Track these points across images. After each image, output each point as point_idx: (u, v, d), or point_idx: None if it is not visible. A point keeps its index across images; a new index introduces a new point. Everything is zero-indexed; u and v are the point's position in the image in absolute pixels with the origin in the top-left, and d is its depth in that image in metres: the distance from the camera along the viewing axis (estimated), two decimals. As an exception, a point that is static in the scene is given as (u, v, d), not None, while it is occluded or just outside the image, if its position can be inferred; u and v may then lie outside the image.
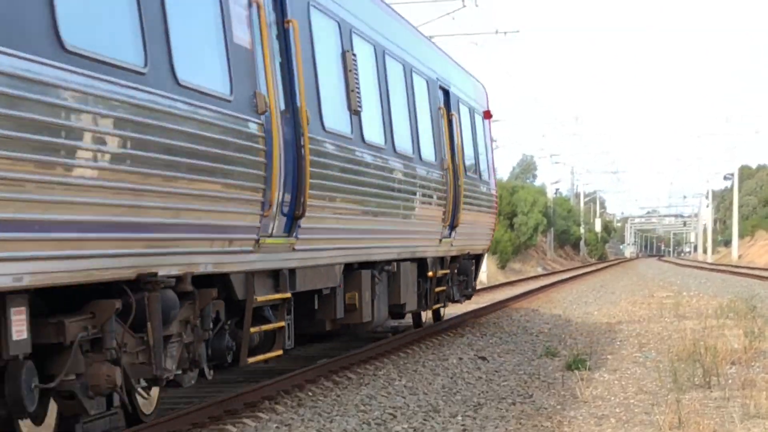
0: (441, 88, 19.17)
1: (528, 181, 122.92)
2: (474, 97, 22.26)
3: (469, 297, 22.57)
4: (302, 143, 11.49)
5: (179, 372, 9.94)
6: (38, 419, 8.33)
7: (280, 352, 11.95)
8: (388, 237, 15.39)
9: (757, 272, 58.36)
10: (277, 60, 11.49)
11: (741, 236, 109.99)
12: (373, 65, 14.98)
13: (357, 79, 13.69)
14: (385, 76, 15.48)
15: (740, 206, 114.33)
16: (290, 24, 11.66)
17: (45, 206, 7.10)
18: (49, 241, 7.21)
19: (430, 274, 18.34)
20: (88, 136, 7.56)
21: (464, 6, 34.81)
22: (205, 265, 9.69)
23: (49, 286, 7.44)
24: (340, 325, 14.45)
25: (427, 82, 18.10)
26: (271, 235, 10.95)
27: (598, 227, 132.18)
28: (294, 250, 11.69)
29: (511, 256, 69.63)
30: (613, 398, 12.87)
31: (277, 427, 10.88)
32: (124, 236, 8.20)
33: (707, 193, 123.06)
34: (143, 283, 8.61)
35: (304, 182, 11.48)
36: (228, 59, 10.03)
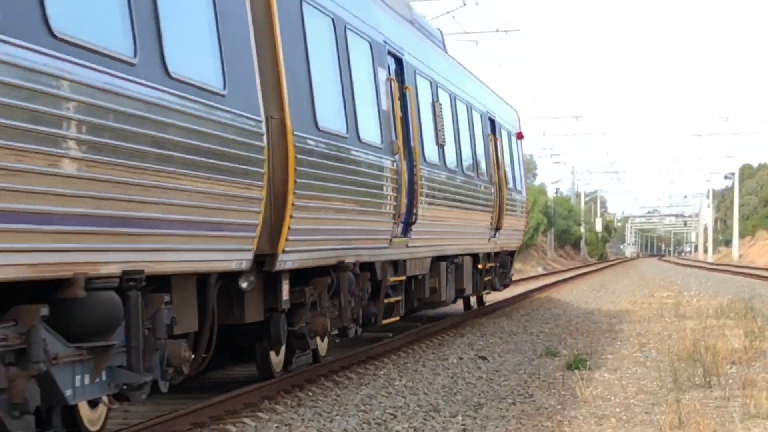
0: (489, 118, 23.98)
1: (528, 180, 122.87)
2: (510, 122, 26.95)
3: (506, 286, 27.60)
4: (415, 172, 16.38)
5: (352, 326, 14.28)
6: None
7: (398, 318, 17.20)
8: (458, 238, 20.33)
9: (757, 272, 58.37)
10: (399, 115, 16.09)
11: (741, 236, 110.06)
12: (450, 109, 19.76)
13: (442, 121, 18.48)
14: (456, 115, 20.33)
15: (741, 206, 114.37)
16: (407, 90, 16.58)
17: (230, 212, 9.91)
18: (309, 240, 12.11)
19: (480, 266, 23.21)
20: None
21: (464, 5, 34.82)
22: (366, 256, 14.48)
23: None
24: (425, 302, 19.15)
25: (481, 115, 22.92)
26: (396, 236, 15.63)
27: (598, 227, 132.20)
28: (408, 246, 16.45)
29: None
30: (613, 398, 12.87)
31: (277, 427, 10.88)
32: (331, 238, 12.96)
33: (708, 192, 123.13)
34: (338, 267, 13.28)
35: (416, 200, 16.39)
36: (379, 120, 14.90)
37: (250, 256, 10.38)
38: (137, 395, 8.70)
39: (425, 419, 11.44)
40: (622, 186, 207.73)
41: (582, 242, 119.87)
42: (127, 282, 8.11)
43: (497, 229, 23.76)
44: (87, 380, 8.04)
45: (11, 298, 7.29)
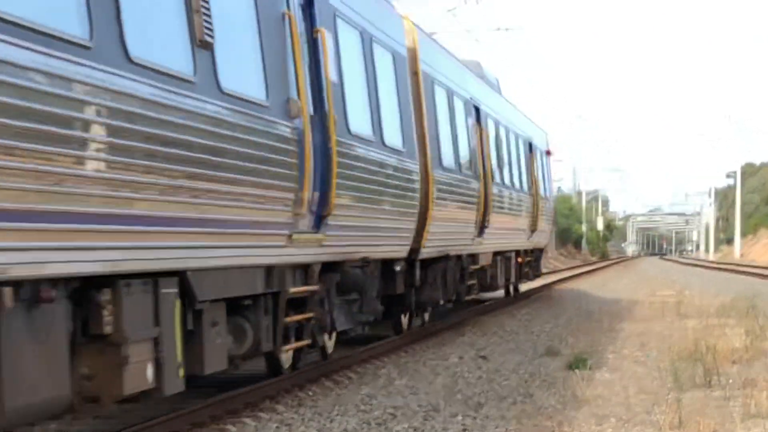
0: (528, 143, 29.96)
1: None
2: (542, 143, 33.28)
3: (538, 276, 34.05)
4: (487, 191, 22.44)
5: (453, 298, 20.81)
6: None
7: (477, 294, 23.47)
8: (509, 238, 26.08)
9: (759, 271, 58.32)
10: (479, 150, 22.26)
11: (743, 234, 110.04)
12: (505, 140, 25.77)
13: (502, 150, 25.41)
14: (509, 144, 26.46)
15: (743, 204, 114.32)
16: (483, 131, 22.63)
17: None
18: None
19: (520, 260, 28.91)
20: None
21: (465, 3, 34.81)
22: (458, 250, 20.43)
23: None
24: (486, 286, 24.27)
25: (524, 142, 29.22)
26: (475, 237, 21.60)
27: (600, 225, 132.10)
28: (481, 244, 22.31)
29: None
30: (614, 398, 12.85)
31: (277, 426, 10.87)
32: (444, 238, 18.48)
33: (710, 191, 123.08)
34: (446, 257, 19.18)
35: (489, 211, 22.31)
36: (471, 156, 21.19)
37: (407, 249, 16.55)
38: (360, 328, 14.98)
39: (425, 419, 11.43)
40: (623, 184, 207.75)
41: (583, 241, 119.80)
42: (365, 262, 14.12)
43: (533, 230, 29.62)
44: (343, 318, 14.06)
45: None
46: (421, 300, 18.52)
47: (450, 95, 19.64)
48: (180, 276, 9.03)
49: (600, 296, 35.41)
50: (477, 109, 22.30)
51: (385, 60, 15.13)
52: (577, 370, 14.82)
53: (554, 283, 44.90)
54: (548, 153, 34.58)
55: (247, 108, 10.02)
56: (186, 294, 9.22)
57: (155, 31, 8.55)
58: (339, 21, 13.15)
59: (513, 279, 28.65)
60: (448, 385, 14.02)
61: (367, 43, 14.31)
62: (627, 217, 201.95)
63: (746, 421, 10.89)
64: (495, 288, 25.66)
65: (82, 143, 7.32)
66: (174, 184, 8.48)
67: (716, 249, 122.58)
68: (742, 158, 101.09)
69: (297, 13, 11.72)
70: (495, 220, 23.06)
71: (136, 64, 7.99)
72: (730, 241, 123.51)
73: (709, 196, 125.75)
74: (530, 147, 30.22)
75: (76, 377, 7.87)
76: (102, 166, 7.51)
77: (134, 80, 7.95)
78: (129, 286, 8.16)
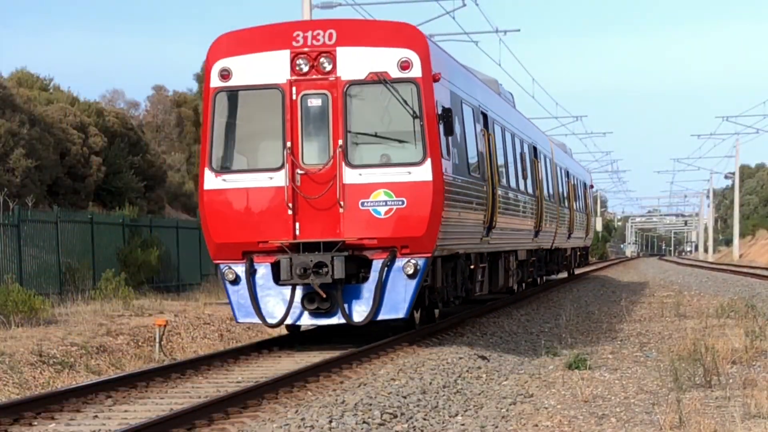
0: (579, 179, 44.21)
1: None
2: (586, 178, 48.72)
3: (584, 265, 53.20)
4: (540, 207, 30.47)
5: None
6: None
7: (562, 274, 43.32)
8: (559, 238, 35.40)
9: (758, 271, 58.31)
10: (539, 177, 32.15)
11: (742, 235, 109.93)
12: (566, 180, 38.48)
13: (576, 191, 41.61)
14: (575, 185, 40.81)
15: (741, 205, 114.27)
16: (537, 162, 31.14)
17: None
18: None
19: (568, 254, 42.28)
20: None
21: (464, 5, 34.78)
22: (548, 245, 33.55)
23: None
24: (551, 270, 38.29)
25: (579, 180, 43.43)
26: (565, 238, 37.18)
27: (598, 226, 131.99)
28: (554, 242, 34.13)
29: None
30: (613, 398, 12.84)
31: (277, 427, 10.86)
32: (508, 236, 25.22)
33: (708, 192, 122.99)
34: (537, 251, 32.02)
35: (542, 219, 29.90)
36: (517, 175, 27.32)
37: (531, 245, 29.52)
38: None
39: (425, 419, 11.42)
40: (622, 185, 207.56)
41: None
42: (554, 250, 33.77)
43: (569, 235, 38.93)
44: (497, 280, 25.02)
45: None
46: (546, 270, 36.81)
47: (513, 138, 26.48)
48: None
49: (600, 296, 35.40)
50: (534, 149, 30.64)
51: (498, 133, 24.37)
52: (577, 370, 14.80)
53: (554, 283, 44.85)
54: (591, 186, 51.44)
55: (476, 180, 20.21)
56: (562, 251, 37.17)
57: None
58: (496, 126, 23.41)
59: (562, 269, 42.43)
60: (447, 385, 14.00)
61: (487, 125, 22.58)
62: (625, 218, 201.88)
63: (746, 421, 10.88)
64: (559, 271, 41.79)
65: (522, 210, 25.75)
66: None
67: (715, 250, 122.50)
68: (740, 159, 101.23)
69: (484, 129, 21.90)
70: (544, 228, 30.95)
71: (516, 189, 24.93)
72: (728, 241, 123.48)
73: (708, 197, 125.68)
74: (573, 178, 41.53)
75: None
76: (520, 215, 25.56)
77: (518, 192, 25.37)
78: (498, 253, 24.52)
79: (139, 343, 19.63)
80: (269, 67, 17.23)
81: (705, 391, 13.10)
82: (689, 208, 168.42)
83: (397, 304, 16.85)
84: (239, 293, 17.14)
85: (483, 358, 17.13)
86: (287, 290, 16.92)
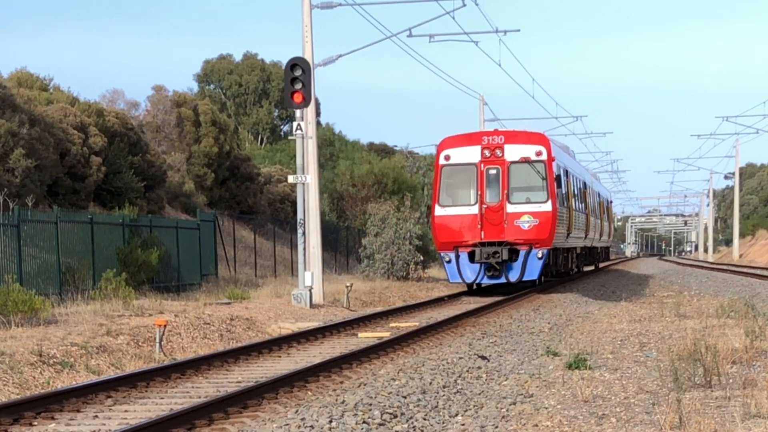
0: (605, 198, 60.41)
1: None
2: (609, 196, 65.57)
3: (605, 261, 68.33)
4: (588, 221, 47.30)
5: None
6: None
7: (593, 267, 59.92)
8: (594, 240, 50.33)
9: (758, 271, 58.35)
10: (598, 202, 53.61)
11: (742, 235, 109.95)
12: (598, 201, 53.88)
13: (603, 207, 57.45)
14: (603, 202, 56.80)
15: (741, 205, 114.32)
16: (602, 201, 57.08)
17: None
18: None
19: (599, 251, 59.31)
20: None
21: (464, 5, 34.80)
22: (592, 244, 51.95)
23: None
24: (585, 263, 54.00)
25: (605, 198, 59.47)
26: (598, 239, 54.25)
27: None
28: (593, 241, 50.96)
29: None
30: (613, 398, 12.84)
31: (277, 427, 10.86)
32: (577, 238, 43.90)
33: (708, 192, 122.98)
34: (584, 248, 49.24)
35: (593, 231, 49.39)
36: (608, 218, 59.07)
37: (583, 243, 47.09)
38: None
39: (425, 419, 11.41)
40: (622, 185, 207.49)
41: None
42: (592, 248, 53.12)
43: (600, 238, 52.92)
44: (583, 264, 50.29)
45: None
46: (586, 262, 52.69)
47: (584, 182, 44.01)
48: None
49: (600, 296, 35.39)
50: (584, 183, 44.61)
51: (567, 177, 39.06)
52: (576, 370, 14.79)
53: (554, 283, 44.89)
54: (611, 202, 67.08)
55: (565, 209, 36.54)
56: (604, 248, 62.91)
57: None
58: (570, 176, 38.92)
59: (599, 262, 60.70)
60: (447, 385, 14.00)
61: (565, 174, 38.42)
62: (625, 218, 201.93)
63: (747, 421, 10.88)
64: (594, 263, 58.30)
65: (582, 223, 42.71)
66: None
67: (715, 250, 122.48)
68: (740, 159, 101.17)
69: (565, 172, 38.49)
70: (589, 234, 46.34)
71: (578, 210, 42.11)
72: (728, 242, 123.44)
73: (708, 197, 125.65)
74: (599, 195, 55.08)
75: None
76: (581, 227, 42.62)
77: (579, 213, 42.20)
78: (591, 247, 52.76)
79: (139, 343, 19.62)
80: (470, 154, 33.75)
81: (705, 391, 13.10)
82: (689, 208, 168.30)
83: (532, 273, 33.17)
84: (451, 266, 33.11)
85: (483, 358, 17.13)
86: (477, 265, 32.82)
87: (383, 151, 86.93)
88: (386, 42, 35.95)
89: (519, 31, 45.88)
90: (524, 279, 32.87)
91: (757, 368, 15.07)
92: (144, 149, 42.82)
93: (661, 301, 30.80)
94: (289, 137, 32.42)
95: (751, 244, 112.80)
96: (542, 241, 32.80)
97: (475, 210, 32.96)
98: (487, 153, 33.28)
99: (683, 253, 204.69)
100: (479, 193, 33.01)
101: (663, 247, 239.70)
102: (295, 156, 31.05)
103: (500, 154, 33.17)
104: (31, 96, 37.61)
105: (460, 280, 33.14)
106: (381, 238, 43.59)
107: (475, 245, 32.53)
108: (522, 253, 32.48)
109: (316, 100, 36.42)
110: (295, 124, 29.32)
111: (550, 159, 33.46)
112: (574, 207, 39.22)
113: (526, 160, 33.14)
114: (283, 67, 30.52)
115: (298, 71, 28.44)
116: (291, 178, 30.32)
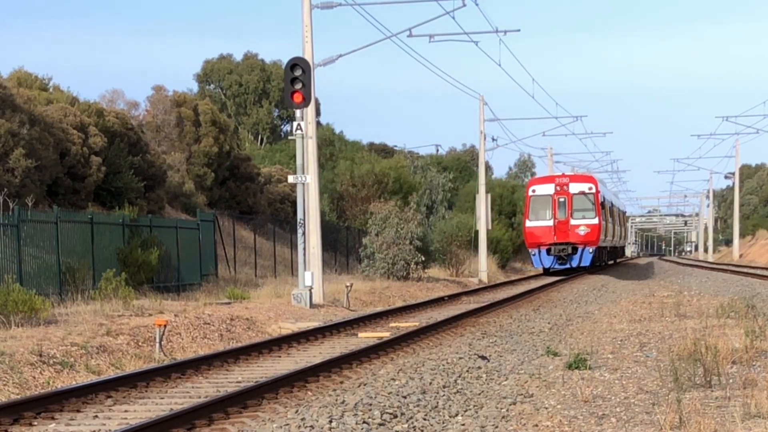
0: (622, 210, 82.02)
1: (527, 180, 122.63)
2: (625, 207, 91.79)
3: (622, 256, 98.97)
4: (615, 229, 69.89)
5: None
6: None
7: (612, 261, 79.07)
8: (616, 241, 71.95)
9: (758, 271, 58.37)
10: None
11: (742, 235, 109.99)
12: (619, 212, 74.92)
13: (620, 216, 78.05)
14: (620, 213, 76.39)
15: (741, 205, 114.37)
16: (620, 212, 79.31)
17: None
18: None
19: (618, 249, 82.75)
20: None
21: (464, 5, 34.79)
22: (615, 243, 73.88)
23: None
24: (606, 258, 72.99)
25: (621, 210, 79.67)
26: (613, 240, 71.69)
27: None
28: (611, 241, 67.89)
29: (511, 255, 69.65)
30: (613, 398, 12.84)
31: (277, 427, 10.86)
32: (608, 239, 65.17)
33: (708, 192, 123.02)
34: (610, 246, 70.07)
35: (619, 237, 76.09)
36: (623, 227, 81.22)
37: (612, 243, 69.84)
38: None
39: (425, 419, 11.41)
40: (622, 185, 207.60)
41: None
42: (614, 246, 74.81)
43: (620, 240, 74.98)
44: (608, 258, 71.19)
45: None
46: (610, 257, 73.19)
47: (609, 202, 63.22)
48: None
49: (600, 296, 35.39)
50: (612, 203, 66.93)
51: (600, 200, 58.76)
52: (576, 370, 14.79)
53: (555, 283, 44.90)
54: (625, 212, 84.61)
55: (605, 222, 59.70)
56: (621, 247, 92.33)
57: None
58: (606, 200, 60.43)
59: (618, 258, 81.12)
60: (447, 385, 14.00)
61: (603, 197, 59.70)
62: (626, 218, 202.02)
63: (747, 421, 10.88)
64: (613, 258, 76.21)
65: (611, 231, 65.25)
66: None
67: (715, 250, 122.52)
68: (740, 159, 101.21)
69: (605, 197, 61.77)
70: (615, 237, 65.28)
71: (609, 221, 63.33)
72: (728, 241, 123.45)
73: (708, 197, 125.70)
74: (619, 208, 72.12)
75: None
76: (611, 233, 65.59)
77: (608, 222, 63.22)
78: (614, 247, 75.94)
79: (139, 343, 19.62)
80: (547, 189, 54.71)
81: (705, 391, 13.10)
82: (689, 208, 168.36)
83: (586, 262, 54.21)
84: (536, 258, 54.62)
85: (483, 358, 17.14)
86: (551, 257, 53.99)
87: (383, 151, 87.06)
88: (386, 42, 35.95)
89: (519, 31, 47.02)
90: (581, 265, 54.26)
91: (757, 368, 15.07)
92: (144, 149, 42.81)
93: (661, 301, 30.80)
94: (289, 137, 32.38)
95: (751, 244, 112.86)
96: (592, 242, 54.19)
97: (550, 223, 53.81)
98: (558, 188, 54.29)
99: (683, 253, 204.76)
100: (553, 212, 53.95)
101: (663, 247, 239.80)
102: (295, 156, 31.05)
103: (566, 189, 54.27)
104: (31, 96, 37.60)
105: (541, 267, 55.41)
106: (382, 237, 43.60)
107: (550, 245, 53.72)
108: (580, 249, 53.91)
109: (316, 100, 36.39)
110: (295, 124, 29.33)
111: (597, 192, 55.14)
112: (608, 221, 59.83)
113: (582, 193, 54.51)
114: (283, 67, 30.53)
115: (298, 71, 28.46)
116: (291, 178, 30.32)
